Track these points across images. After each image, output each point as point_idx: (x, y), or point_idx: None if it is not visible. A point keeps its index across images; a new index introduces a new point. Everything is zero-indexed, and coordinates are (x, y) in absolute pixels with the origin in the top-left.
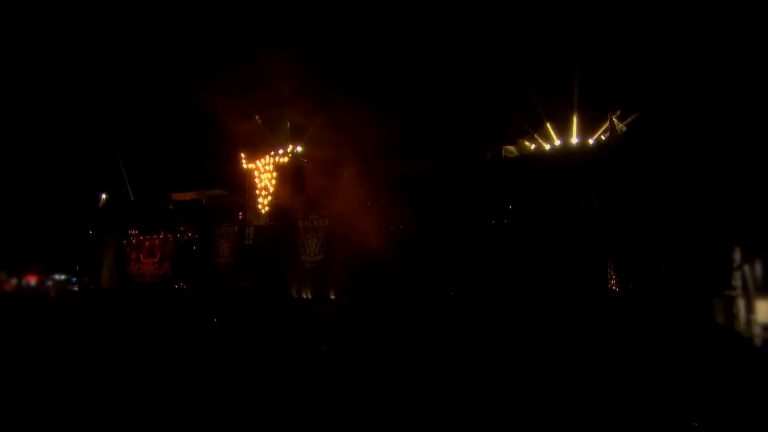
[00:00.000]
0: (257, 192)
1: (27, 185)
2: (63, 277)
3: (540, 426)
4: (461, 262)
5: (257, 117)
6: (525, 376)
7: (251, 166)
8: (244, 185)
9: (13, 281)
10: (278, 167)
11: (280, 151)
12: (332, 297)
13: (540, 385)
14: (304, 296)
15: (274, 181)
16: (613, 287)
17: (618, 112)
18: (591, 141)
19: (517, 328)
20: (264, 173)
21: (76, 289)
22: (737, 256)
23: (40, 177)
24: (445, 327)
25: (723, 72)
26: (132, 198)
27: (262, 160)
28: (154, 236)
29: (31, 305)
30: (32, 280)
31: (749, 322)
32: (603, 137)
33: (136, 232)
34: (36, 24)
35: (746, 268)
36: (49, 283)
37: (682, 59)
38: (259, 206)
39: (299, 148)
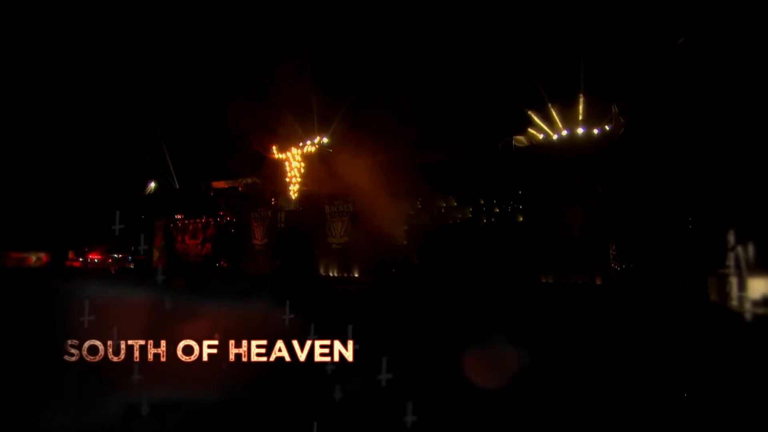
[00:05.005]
0: (288, 180)
1: (89, 178)
2: (121, 255)
3: (546, 390)
4: (475, 243)
5: (287, 112)
6: (534, 342)
7: (282, 156)
8: (275, 174)
9: (80, 259)
10: (306, 157)
11: (308, 143)
12: (356, 275)
13: (547, 348)
14: (331, 274)
15: (302, 170)
16: (615, 267)
17: (621, 104)
18: (596, 131)
19: (526, 303)
20: (294, 162)
21: (131, 266)
22: (731, 237)
23: (100, 171)
24: (459, 301)
25: (717, 64)
26: (177, 186)
27: (292, 150)
28: (197, 220)
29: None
30: (95, 258)
31: (741, 299)
32: (607, 127)
33: (181, 216)
34: (96, 26)
35: (739, 249)
36: (109, 260)
37: (678, 55)
38: (290, 193)
39: (326, 140)
